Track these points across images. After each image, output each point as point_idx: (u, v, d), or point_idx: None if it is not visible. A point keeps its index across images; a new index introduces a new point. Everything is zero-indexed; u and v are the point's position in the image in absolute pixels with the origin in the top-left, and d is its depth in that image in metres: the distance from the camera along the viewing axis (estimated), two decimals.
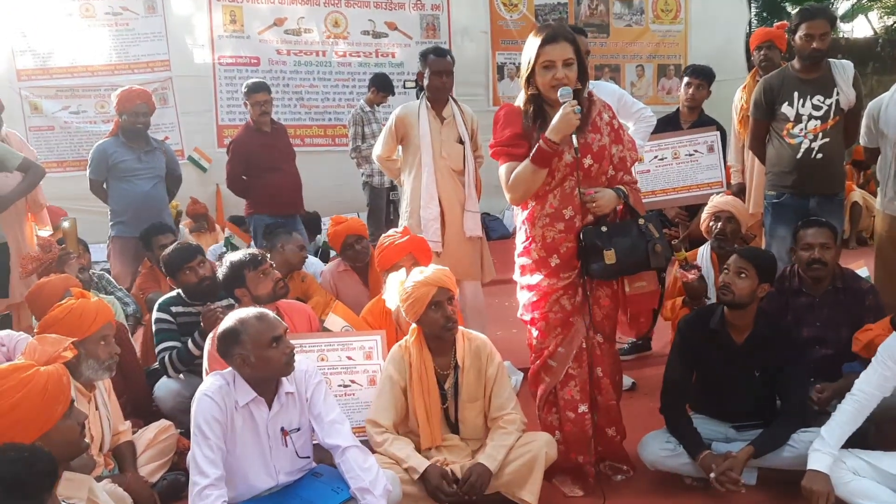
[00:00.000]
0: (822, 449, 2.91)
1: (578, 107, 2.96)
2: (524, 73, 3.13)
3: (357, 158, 7.58)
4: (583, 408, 3.26)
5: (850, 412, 2.96)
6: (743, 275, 3.22)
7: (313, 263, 5.49)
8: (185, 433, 3.63)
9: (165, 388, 3.88)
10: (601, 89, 4.05)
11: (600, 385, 3.30)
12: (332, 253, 6.97)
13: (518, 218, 3.31)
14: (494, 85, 9.80)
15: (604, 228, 3.11)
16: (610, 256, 3.05)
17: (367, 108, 7.55)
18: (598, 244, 3.07)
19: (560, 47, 3.02)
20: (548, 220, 3.17)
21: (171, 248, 4.12)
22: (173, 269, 4.02)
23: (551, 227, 3.17)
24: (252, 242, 6.02)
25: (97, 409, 3.19)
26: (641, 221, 3.14)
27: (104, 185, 5.58)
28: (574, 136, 3.00)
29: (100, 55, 8.58)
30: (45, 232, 4.85)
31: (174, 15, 8.71)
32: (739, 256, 3.30)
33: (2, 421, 2.15)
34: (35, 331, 3.40)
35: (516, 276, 3.36)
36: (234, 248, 6.40)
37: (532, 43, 3.07)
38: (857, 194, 8.03)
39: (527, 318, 3.34)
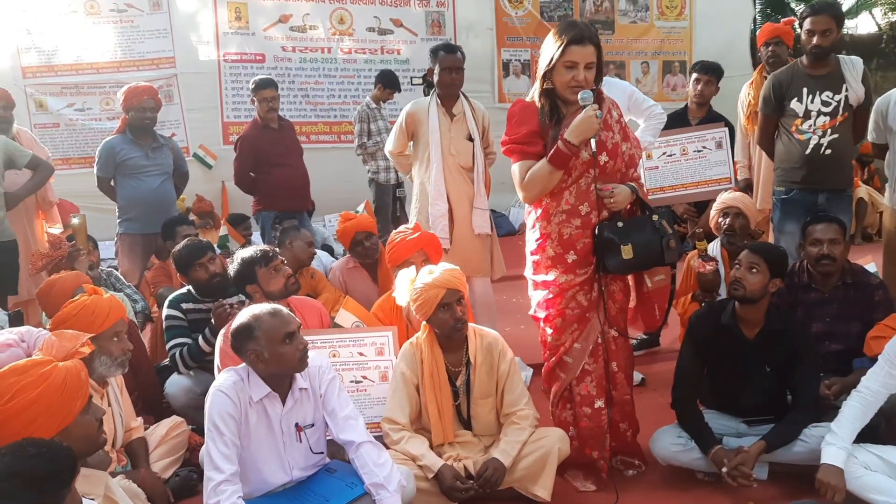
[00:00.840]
0: (836, 443, 2.91)
1: (600, 111, 3.00)
2: (543, 67, 3.12)
3: (363, 155, 7.57)
4: (599, 403, 3.27)
5: (858, 408, 2.96)
6: (754, 270, 3.22)
7: (318, 257, 5.49)
8: (197, 429, 3.65)
9: (176, 384, 3.88)
10: (612, 86, 4.06)
11: (615, 380, 3.31)
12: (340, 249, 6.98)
13: (530, 215, 3.31)
14: (500, 82, 9.80)
15: (620, 224, 3.12)
16: (627, 251, 3.06)
17: (374, 105, 7.55)
18: (615, 239, 3.09)
19: (586, 50, 3.03)
20: (564, 216, 3.17)
21: (181, 244, 4.12)
22: (184, 266, 4.03)
23: (568, 224, 3.17)
24: (246, 242, 6.00)
25: (110, 405, 3.19)
26: (655, 217, 3.15)
27: (112, 183, 5.59)
28: (592, 138, 3.02)
29: (105, 52, 8.57)
30: (56, 229, 4.86)
31: (179, 12, 8.70)
32: (750, 251, 3.30)
33: (21, 416, 2.15)
34: (47, 327, 3.40)
35: (528, 273, 3.36)
36: (226, 247, 6.41)
37: (557, 40, 3.06)
38: (863, 190, 8.02)
39: (540, 315, 3.33)
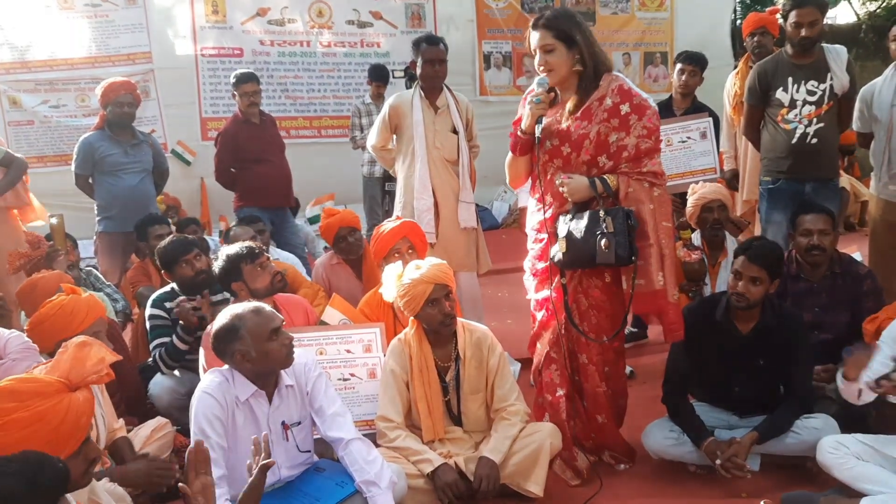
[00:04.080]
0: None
1: (538, 97, 3.03)
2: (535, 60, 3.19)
3: (358, 149, 7.58)
4: (560, 392, 3.27)
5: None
6: (757, 282, 3.16)
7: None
8: (182, 430, 3.60)
9: (160, 385, 3.83)
10: None
11: (586, 371, 3.30)
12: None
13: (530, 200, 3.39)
14: (481, 74, 9.73)
15: (569, 217, 3.11)
16: (561, 245, 3.07)
17: (368, 101, 7.52)
18: (557, 233, 3.11)
19: (537, 36, 3.08)
20: (536, 205, 3.26)
21: (166, 241, 4.06)
22: (169, 263, 3.95)
23: (537, 213, 3.25)
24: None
25: None
26: (601, 213, 3.03)
27: (90, 180, 5.49)
28: (538, 126, 3.07)
29: (79, 48, 8.42)
30: (37, 224, 4.78)
31: (155, 6, 8.55)
32: (751, 262, 3.16)
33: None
34: (25, 328, 3.32)
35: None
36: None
37: None
38: (845, 180, 8.02)
39: (528, 297, 3.41)
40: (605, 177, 3.08)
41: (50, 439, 1.98)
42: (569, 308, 3.19)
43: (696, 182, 4.72)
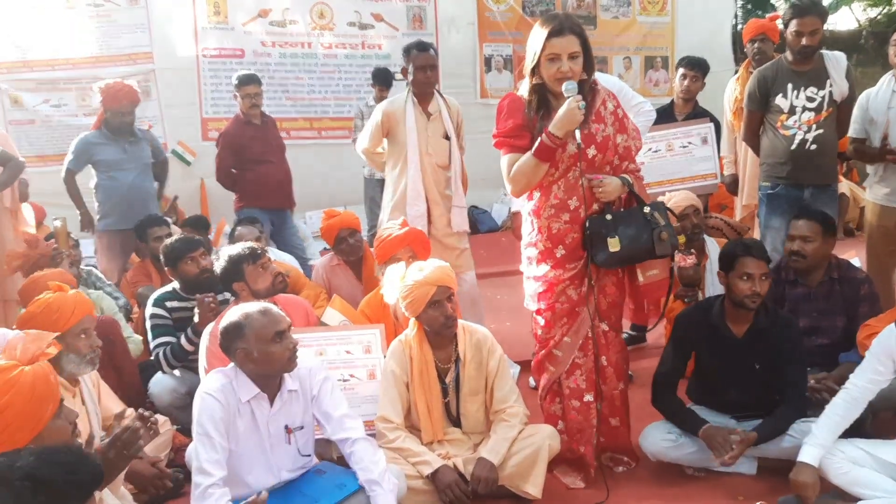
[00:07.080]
0: (811, 442, 2.93)
1: (583, 102, 2.96)
2: (529, 63, 3.11)
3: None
4: (588, 397, 3.27)
5: (842, 405, 2.95)
6: (763, 278, 3.19)
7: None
8: (181, 429, 3.61)
9: (161, 384, 3.84)
10: (601, 81, 4.04)
11: (605, 374, 3.30)
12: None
13: (524, 209, 3.31)
14: (482, 77, 9.73)
15: (608, 216, 3.11)
16: (614, 244, 3.05)
17: (371, 103, 7.55)
18: (603, 232, 3.08)
19: (566, 40, 3.00)
20: (553, 211, 3.17)
21: (173, 238, 4.07)
22: (174, 260, 3.96)
23: (557, 219, 3.17)
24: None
25: (83, 403, 3.11)
26: (647, 209, 3.13)
27: (77, 176, 5.51)
28: (577, 129, 2.99)
29: (81, 47, 8.40)
30: (30, 229, 4.76)
31: (157, 6, 8.54)
32: (758, 259, 3.20)
33: None
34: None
35: (523, 266, 3.37)
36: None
37: (538, 34, 3.05)
38: (845, 185, 8.03)
39: (533, 307, 3.34)
40: (624, 176, 3.16)
41: (31, 398, 2.07)
42: (598, 309, 3.22)
43: (697, 186, 4.76)
